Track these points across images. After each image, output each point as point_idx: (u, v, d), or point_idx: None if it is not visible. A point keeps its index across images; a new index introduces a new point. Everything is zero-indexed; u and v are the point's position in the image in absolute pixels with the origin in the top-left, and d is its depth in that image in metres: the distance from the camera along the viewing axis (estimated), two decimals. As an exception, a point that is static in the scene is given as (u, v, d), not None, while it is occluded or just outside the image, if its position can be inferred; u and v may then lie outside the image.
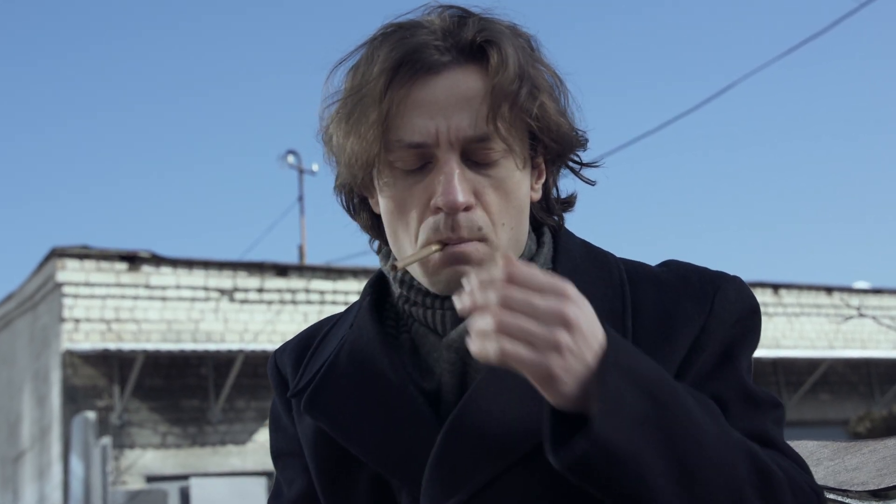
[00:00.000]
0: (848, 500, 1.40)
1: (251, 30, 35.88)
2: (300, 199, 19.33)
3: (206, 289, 13.58)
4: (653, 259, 1.27)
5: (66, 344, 12.60)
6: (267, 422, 1.37)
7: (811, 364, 17.10)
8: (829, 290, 18.59)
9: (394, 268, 1.13)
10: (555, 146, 1.18)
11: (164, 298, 13.33)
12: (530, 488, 1.09)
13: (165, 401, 13.08)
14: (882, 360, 18.10)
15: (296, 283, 14.14)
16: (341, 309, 1.35)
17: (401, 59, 1.12)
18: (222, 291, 13.68)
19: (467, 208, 1.12)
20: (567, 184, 1.27)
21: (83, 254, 12.93)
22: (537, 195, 1.22)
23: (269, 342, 13.53)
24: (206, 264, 13.64)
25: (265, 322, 13.83)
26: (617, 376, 0.95)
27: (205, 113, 35.69)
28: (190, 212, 36.39)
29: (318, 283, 14.30)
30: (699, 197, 37.12)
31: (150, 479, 12.68)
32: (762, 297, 17.43)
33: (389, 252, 1.24)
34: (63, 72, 32.56)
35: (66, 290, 12.80)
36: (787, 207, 37.32)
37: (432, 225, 1.12)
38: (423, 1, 1.19)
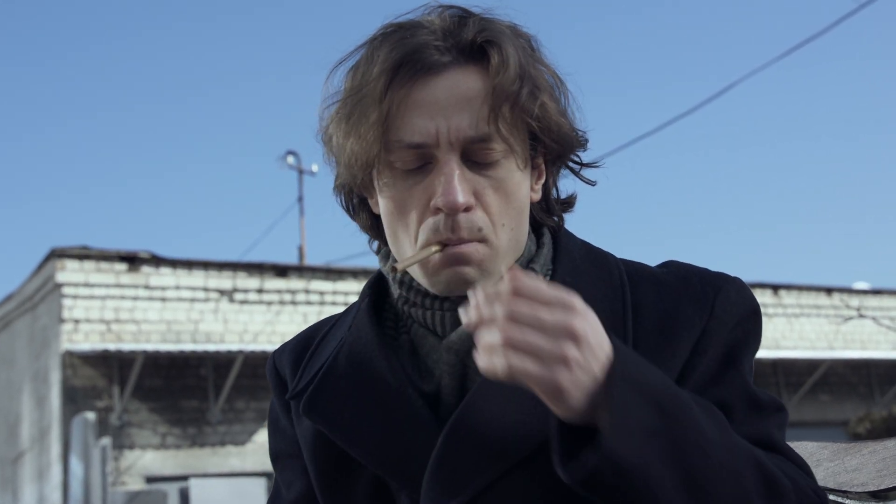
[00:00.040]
0: (848, 502, 1.40)
1: (251, 30, 35.89)
2: (300, 199, 19.35)
3: (205, 289, 13.58)
4: (653, 260, 1.27)
5: (66, 344, 12.60)
6: (266, 422, 1.37)
7: (811, 365, 17.10)
8: (828, 290, 18.60)
9: (393, 269, 1.13)
10: (555, 146, 1.18)
11: (163, 299, 13.33)
12: (531, 491, 1.09)
13: (165, 401, 13.08)
14: (882, 361, 18.11)
15: (295, 283, 14.14)
16: (341, 310, 1.35)
17: (401, 59, 1.11)
18: (222, 292, 13.68)
19: (467, 209, 1.11)
20: (567, 184, 1.27)
21: (83, 254, 12.93)
22: (537, 196, 1.22)
23: (269, 343, 13.53)
24: (206, 265, 13.64)
25: (265, 323, 13.83)
26: (625, 388, 0.95)
27: (205, 113, 35.71)
28: (190, 212, 36.41)
29: (318, 284, 14.31)
30: (699, 197, 37.15)
31: (150, 479, 12.68)
32: (762, 297, 17.43)
33: (389, 253, 1.24)
34: (63, 72, 32.57)
35: (66, 290, 12.80)
36: (786, 208, 37.35)
37: (432, 225, 1.12)
38: (423, 1, 1.19)
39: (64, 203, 36.21)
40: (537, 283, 0.95)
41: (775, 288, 18.00)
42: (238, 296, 13.77)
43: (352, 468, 1.17)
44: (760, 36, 33.01)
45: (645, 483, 0.95)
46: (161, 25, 32.40)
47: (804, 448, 1.54)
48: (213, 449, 13.27)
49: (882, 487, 1.38)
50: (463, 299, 1.15)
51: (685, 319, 1.16)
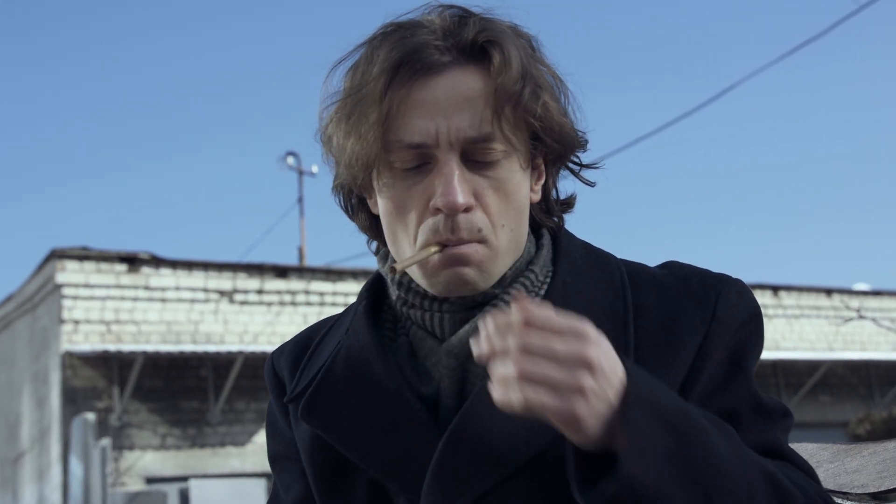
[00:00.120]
0: (848, 503, 1.40)
1: (251, 30, 35.89)
2: (300, 200, 19.34)
3: (205, 290, 13.58)
4: (653, 260, 1.27)
5: (66, 345, 12.60)
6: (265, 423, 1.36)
7: (811, 366, 17.10)
8: (828, 291, 18.60)
9: (392, 269, 1.12)
10: (557, 147, 1.18)
11: (163, 300, 13.33)
12: (531, 496, 1.09)
13: (165, 402, 13.08)
14: (882, 362, 18.11)
15: (295, 284, 14.14)
16: (341, 310, 1.34)
17: (401, 59, 1.11)
18: (222, 293, 13.68)
19: (467, 209, 1.11)
20: (566, 185, 1.27)
21: (83, 255, 12.93)
22: (537, 196, 1.21)
23: (269, 343, 13.53)
24: (206, 266, 13.64)
25: (265, 323, 13.83)
26: (640, 413, 0.94)
27: (205, 114, 35.70)
28: (190, 213, 36.41)
29: (318, 285, 14.30)
30: (699, 198, 37.14)
31: (150, 480, 12.68)
32: (762, 298, 17.42)
33: (388, 253, 1.24)
34: (63, 72, 32.57)
35: (66, 291, 12.80)
36: (787, 209, 37.35)
37: (431, 226, 1.11)
38: (423, 0, 1.19)
39: (64, 203, 36.23)
40: (548, 313, 0.94)
41: (775, 289, 17.99)
42: (238, 297, 13.77)
43: (350, 471, 1.17)
44: (761, 37, 33.02)
45: None
46: (161, 25, 32.42)
47: (804, 449, 1.54)
48: (213, 450, 13.27)
49: (882, 489, 1.38)
50: (462, 300, 1.16)
51: (687, 323, 1.15)
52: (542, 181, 1.22)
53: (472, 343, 0.97)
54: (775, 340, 17.49)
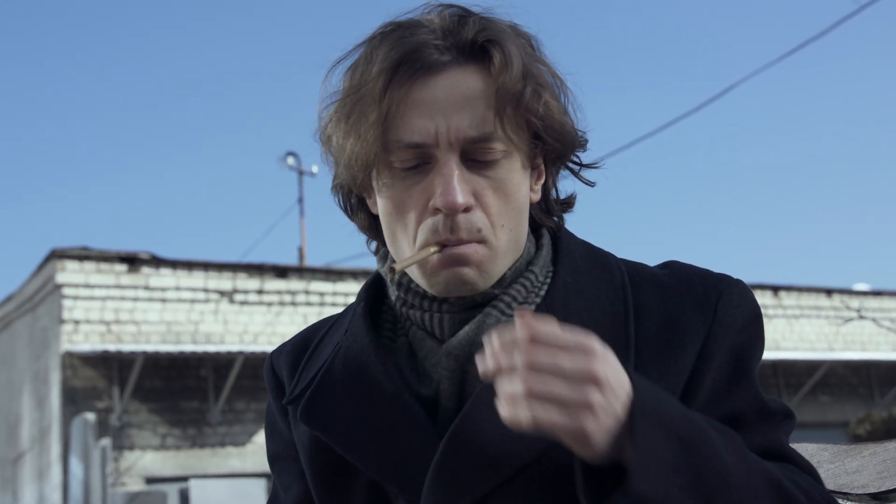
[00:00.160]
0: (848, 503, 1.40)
1: (251, 30, 35.90)
2: (300, 200, 19.35)
3: (205, 290, 13.58)
4: (653, 261, 1.27)
5: (66, 345, 12.60)
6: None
7: (811, 366, 17.10)
8: (829, 291, 18.60)
9: (392, 270, 1.12)
10: (558, 146, 1.17)
11: (163, 300, 13.32)
12: (531, 498, 1.08)
13: (165, 402, 13.08)
14: (882, 363, 18.10)
15: (295, 284, 14.14)
16: (341, 311, 1.34)
17: (400, 58, 1.10)
18: (222, 293, 13.68)
19: (466, 209, 1.10)
20: (566, 185, 1.27)
21: (83, 255, 12.93)
22: (536, 196, 1.21)
23: (269, 344, 13.52)
24: (206, 266, 13.64)
25: (265, 324, 13.83)
26: (648, 426, 0.94)
27: (205, 114, 35.71)
28: (190, 213, 36.42)
29: (318, 285, 14.30)
30: (699, 198, 37.14)
31: (150, 480, 12.67)
32: (762, 298, 17.42)
33: (387, 253, 1.23)
34: (63, 72, 32.57)
35: (66, 291, 12.80)
36: (787, 209, 37.35)
37: (431, 226, 1.11)
38: (422, 0, 1.18)
39: (64, 204, 36.23)
40: (554, 329, 0.93)
41: (775, 289, 17.99)
42: (238, 297, 13.77)
43: (349, 473, 1.17)
44: (761, 37, 33.03)
45: None
46: (161, 25, 32.43)
47: (805, 450, 1.54)
48: (213, 450, 13.27)
49: (883, 489, 1.38)
50: (462, 301, 1.15)
51: (688, 324, 1.15)
52: (542, 181, 1.22)
53: (478, 359, 0.96)
54: (775, 340, 17.48)
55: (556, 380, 0.91)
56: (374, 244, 1.27)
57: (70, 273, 12.82)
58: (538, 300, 1.17)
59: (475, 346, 1.13)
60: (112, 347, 12.59)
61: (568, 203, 1.26)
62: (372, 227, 1.24)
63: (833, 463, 1.50)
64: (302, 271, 14.40)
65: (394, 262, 1.20)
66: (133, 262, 13.19)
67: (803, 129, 35.35)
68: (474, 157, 1.12)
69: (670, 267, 1.24)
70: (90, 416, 9.89)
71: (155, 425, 12.97)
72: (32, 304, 14.13)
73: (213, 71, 32.74)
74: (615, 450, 0.94)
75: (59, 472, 12.39)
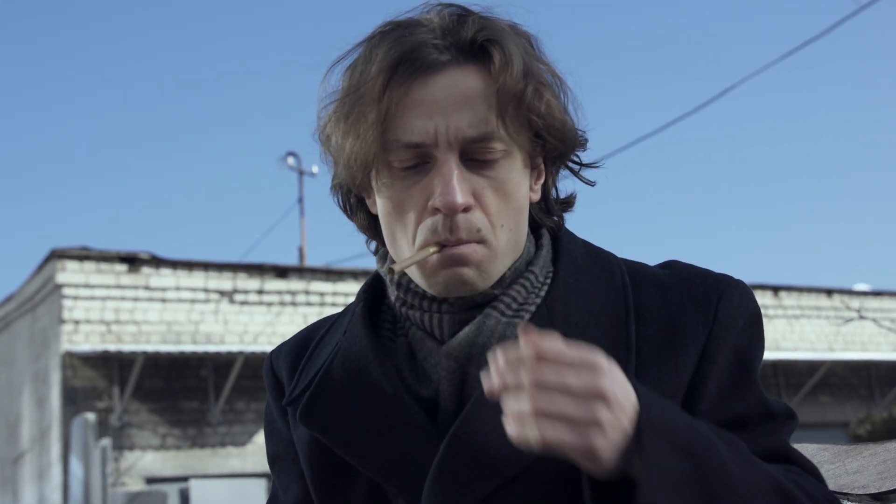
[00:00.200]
0: (849, 504, 1.40)
1: (251, 30, 35.90)
2: (300, 200, 19.35)
3: (205, 290, 13.58)
4: (653, 261, 1.26)
5: (66, 345, 12.60)
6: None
7: (811, 366, 17.09)
8: (829, 292, 18.59)
9: (391, 270, 1.12)
10: (559, 145, 1.17)
11: (163, 300, 13.32)
12: (532, 499, 1.08)
13: (165, 402, 13.07)
14: (882, 363, 18.10)
15: (296, 284, 14.14)
16: (340, 311, 1.34)
17: (399, 57, 1.10)
18: (222, 293, 13.67)
19: (466, 209, 1.10)
20: (566, 185, 1.26)
21: (83, 255, 12.93)
22: (536, 196, 1.21)
23: (269, 344, 13.52)
24: (206, 266, 13.64)
25: (265, 324, 13.83)
26: (655, 439, 0.94)
27: (205, 114, 35.71)
28: (190, 213, 36.43)
29: (318, 285, 14.30)
30: (700, 198, 37.14)
31: (150, 480, 12.67)
32: (762, 299, 17.42)
33: (387, 253, 1.23)
34: (63, 72, 32.57)
35: (66, 291, 12.80)
36: (787, 209, 37.36)
37: (430, 226, 1.11)
38: (422, -1, 1.18)
39: (64, 203, 36.24)
40: (559, 345, 0.93)
41: (776, 289, 17.99)
42: (238, 297, 13.77)
43: (349, 473, 1.16)
44: (761, 37, 33.03)
45: None
46: (161, 25, 32.43)
47: (805, 450, 1.54)
48: (214, 450, 13.27)
49: (883, 490, 1.38)
50: (461, 301, 1.15)
51: (688, 325, 1.15)
52: (542, 180, 1.21)
53: (483, 378, 0.96)
54: (776, 341, 17.48)
55: (564, 397, 0.91)
56: (373, 244, 1.27)
57: (70, 273, 12.82)
58: (538, 300, 1.16)
59: (475, 347, 1.13)
60: (112, 347, 12.59)
61: (568, 203, 1.26)
62: (371, 226, 1.24)
63: (833, 463, 1.50)
64: (302, 271, 14.40)
65: (393, 262, 1.19)
66: (133, 262, 13.19)
67: (803, 129, 35.36)
68: (474, 157, 1.11)
69: (671, 267, 1.23)
70: (90, 416, 9.89)
71: (155, 425, 12.97)
72: (32, 304, 14.13)
73: (213, 71, 32.76)
74: (623, 464, 0.94)
75: (59, 472, 12.38)
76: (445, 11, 1.15)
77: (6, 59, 32.68)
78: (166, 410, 13.06)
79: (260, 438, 13.35)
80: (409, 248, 1.14)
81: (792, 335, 17.91)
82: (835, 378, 17.93)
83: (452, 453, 1.09)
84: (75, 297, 12.84)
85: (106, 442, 9.73)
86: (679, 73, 33.64)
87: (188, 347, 13.01)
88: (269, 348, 13.05)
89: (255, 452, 13.33)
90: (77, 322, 12.81)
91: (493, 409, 1.08)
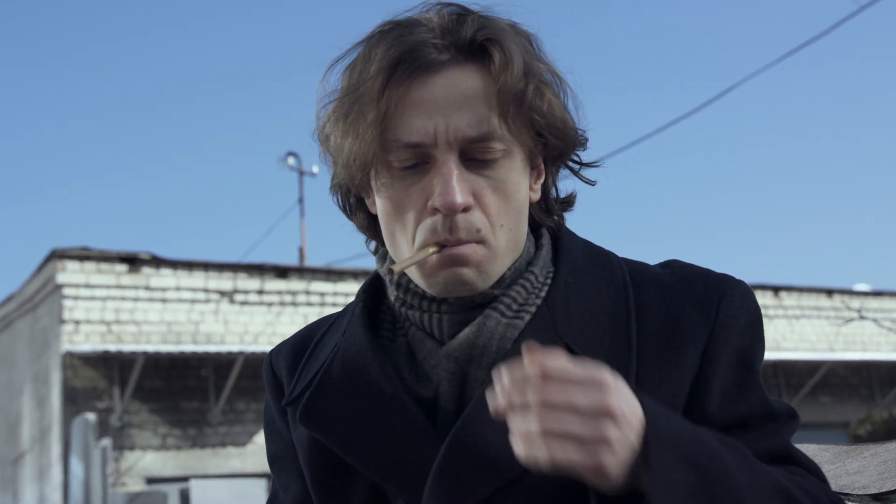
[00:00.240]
0: (849, 504, 1.39)
1: (251, 30, 35.91)
2: (300, 200, 19.35)
3: (206, 290, 13.58)
4: (654, 262, 1.26)
5: (67, 345, 12.60)
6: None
7: (812, 366, 17.08)
8: (829, 292, 18.59)
9: (390, 271, 1.11)
10: (560, 144, 1.17)
11: (164, 300, 13.32)
12: (534, 500, 1.08)
13: (165, 402, 13.07)
14: (883, 363, 18.09)
15: (296, 284, 14.14)
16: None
17: (398, 57, 1.10)
18: (222, 293, 13.67)
19: (465, 209, 1.10)
20: (567, 184, 1.26)
21: (83, 255, 12.93)
22: (536, 195, 1.20)
23: (269, 344, 13.51)
24: (207, 266, 13.64)
25: (265, 324, 13.83)
26: (662, 453, 0.94)
27: (205, 114, 35.71)
28: (190, 213, 36.43)
29: (319, 285, 14.30)
30: (700, 199, 37.14)
31: (150, 480, 12.67)
32: (763, 299, 17.42)
33: (387, 253, 1.23)
34: (64, 72, 32.58)
35: (67, 291, 12.79)
36: (787, 209, 37.35)
37: (430, 226, 1.10)
38: (421, -1, 1.18)
39: (64, 204, 36.24)
40: (565, 364, 0.92)
41: (776, 289, 17.98)
42: (238, 297, 13.77)
43: (348, 473, 1.16)
44: (762, 37, 33.04)
45: None
46: (162, 26, 32.44)
47: (805, 451, 1.53)
48: (214, 450, 13.27)
49: (884, 490, 1.37)
50: (461, 301, 1.15)
51: (689, 326, 1.14)
52: (542, 180, 1.21)
53: (488, 395, 0.95)
54: (776, 341, 17.48)
55: (571, 416, 0.90)
56: (373, 244, 1.26)
57: (70, 273, 12.82)
58: (539, 301, 1.16)
59: (475, 348, 1.13)
60: (112, 347, 12.59)
61: (568, 202, 1.25)
62: (371, 226, 1.23)
63: (834, 464, 1.50)
64: (302, 271, 14.40)
65: (393, 262, 1.19)
66: (133, 262, 13.19)
67: (804, 129, 35.36)
68: (473, 157, 1.11)
69: (671, 266, 1.23)
70: (91, 417, 9.89)
71: (155, 425, 12.97)
72: (33, 305, 14.13)
73: (213, 71, 32.77)
74: (630, 478, 0.94)
75: (59, 472, 12.38)
76: (445, 11, 1.15)
77: (6, 59, 32.70)
78: (167, 410, 13.07)
79: (260, 439, 13.35)
80: (408, 248, 1.13)
81: (792, 335, 17.91)
82: (835, 378, 17.93)
83: (454, 454, 1.09)
84: (76, 298, 12.84)
85: (106, 442, 9.74)
86: (679, 73, 33.65)
87: (188, 347, 13.01)
88: (269, 348, 12.99)
89: (255, 453, 13.33)
90: (77, 322, 12.81)
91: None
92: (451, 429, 1.11)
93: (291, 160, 19.11)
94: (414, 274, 1.15)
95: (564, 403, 0.91)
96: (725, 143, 33.25)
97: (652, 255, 1.26)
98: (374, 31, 1.15)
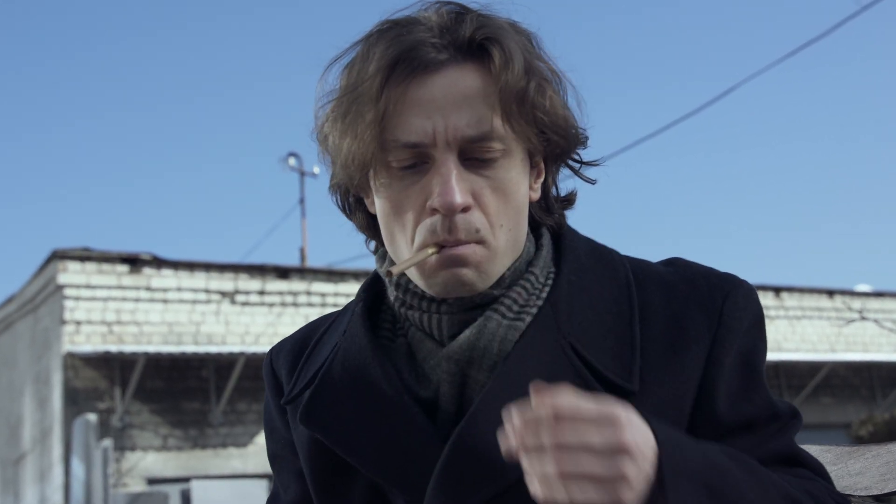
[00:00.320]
0: (851, 505, 1.39)
1: (252, 30, 35.92)
2: (301, 201, 19.35)
3: (207, 291, 13.58)
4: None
5: (68, 346, 12.60)
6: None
7: (813, 367, 17.08)
8: (830, 293, 18.58)
9: (389, 273, 1.11)
10: (561, 142, 1.16)
11: (165, 301, 13.32)
12: (535, 502, 1.08)
13: (166, 403, 13.08)
14: (884, 364, 18.08)
15: (297, 285, 14.14)
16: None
17: (397, 56, 1.09)
18: (223, 294, 13.68)
19: (465, 210, 1.09)
20: (567, 184, 1.26)
21: (84, 256, 12.93)
22: (536, 195, 1.20)
23: (270, 344, 13.45)
24: (208, 266, 13.64)
25: (266, 324, 13.83)
26: (677, 481, 0.94)
27: (206, 115, 35.73)
28: (191, 214, 36.45)
29: (320, 286, 14.30)
30: (701, 199, 37.14)
31: (151, 481, 12.67)
32: (764, 299, 17.40)
33: (386, 253, 1.22)
34: (64, 72, 32.60)
35: (68, 292, 12.80)
36: (788, 210, 37.35)
37: (429, 227, 1.10)
38: (420, -2, 1.17)
39: (65, 204, 36.26)
40: (576, 402, 0.91)
41: (777, 290, 17.98)
42: (239, 297, 13.77)
43: (348, 473, 1.16)
44: (763, 37, 33.03)
45: None
46: (162, 26, 32.46)
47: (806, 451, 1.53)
48: (215, 451, 13.27)
49: (886, 491, 1.37)
50: (461, 302, 1.15)
51: (693, 327, 1.14)
52: (542, 179, 1.20)
53: (500, 437, 0.95)
54: (777, 342, 17.47)
55: (588, 457, 0.90)
56: (372, 244, 1.26)
57: (71, 274, 12.82)
58: (539, 302, 1.16)
59: (476, 350, 1.12)
60: (114, 348, 12.59)
61: (568, 200, 1.25)
62: (370, 226, 1.23)
63: (836, 465, 1.50)
64: (303, 272, 14.40)
65: (392, 262, 1.19)
66: (134, 262, 13.19)
67: (805, 129, 35.34)
68: (472, 157, 1.10)
69: (674, 264, 1.22)
70: (92, 417, 9.90)
71: (156, 426, 12.97)
72: (34, 305, 14.13)
73: (213, 71, 32.78)
74: (645, 501, 0.94)
75: (60, 472, 12.39)
76: (444, 9, 1.14)
77: (6, 59, 32.72)
78: (168, 411, 13.07)
79: (261, 439, 13.35)
80: (407, 248, 1.13)
81: (793, 336, 17.90)
82: (836, 379, 17.92)
83: (457, 455, 1.09)
84: (77, 298, 12.84)
85: (107, 443, 9.74)
86: (680, 74, 33.65)
87: (189, 348, 13.02)
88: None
89: (256, 453, 13.33)
90: (78, 323, 12.81)
91: (497, 412, 1.07)
92: (453, 430, 1.10)
93: (292, 161, 19.12)
94: (413, 274, 1.15)
95: (579, 444, 0.90)
96: (727, 143, 33.26)
97: (653, 256, 1.26)
98: (373, 30, 1.15)
